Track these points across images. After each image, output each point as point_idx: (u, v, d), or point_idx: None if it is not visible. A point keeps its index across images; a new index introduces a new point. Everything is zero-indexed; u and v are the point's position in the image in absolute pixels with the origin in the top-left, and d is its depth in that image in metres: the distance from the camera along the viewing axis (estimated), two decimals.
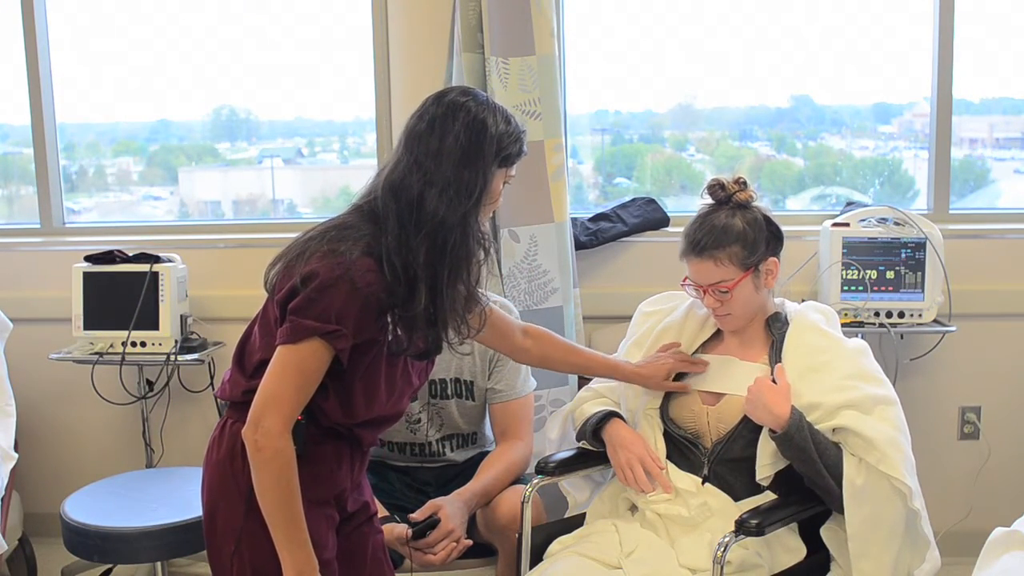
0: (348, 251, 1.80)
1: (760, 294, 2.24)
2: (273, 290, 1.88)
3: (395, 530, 2.35)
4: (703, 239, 2.18)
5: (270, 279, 1.90)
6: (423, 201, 1.81)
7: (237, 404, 1.93)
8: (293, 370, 1.79)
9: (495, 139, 1.86)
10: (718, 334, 2.35)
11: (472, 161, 1.84)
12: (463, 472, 2.64)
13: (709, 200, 2.26)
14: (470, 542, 2.37)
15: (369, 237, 1.83)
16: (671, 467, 2.25)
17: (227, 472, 1.91)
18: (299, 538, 1.81)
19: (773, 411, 2.09)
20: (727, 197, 2.23)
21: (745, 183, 2.25)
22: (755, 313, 2.27)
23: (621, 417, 2.36)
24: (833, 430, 2.10)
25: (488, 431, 2.72)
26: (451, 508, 2.35)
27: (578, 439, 2.46)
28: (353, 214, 1.90)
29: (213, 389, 3.36)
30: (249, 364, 1.93)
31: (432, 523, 2.32)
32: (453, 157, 1.83)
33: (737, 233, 2.18)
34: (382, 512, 2.42)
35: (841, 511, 2.07)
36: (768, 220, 2.23)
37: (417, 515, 2.35)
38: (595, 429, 2.35)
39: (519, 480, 2.55)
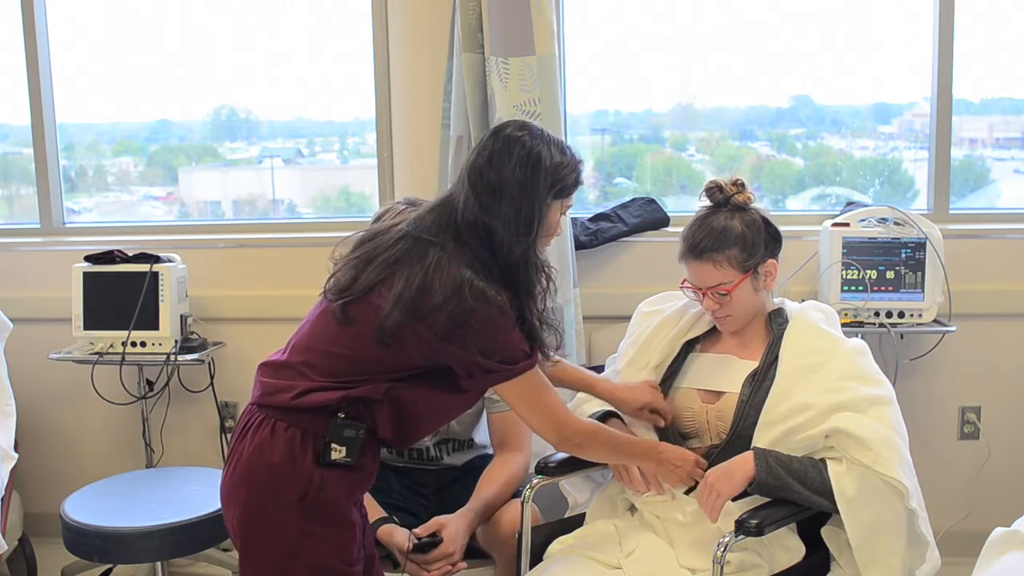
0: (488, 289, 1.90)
1: (759, 296, 2.24)
2: (392, 319, 1.89)
3: (395, 536, 2.35)
4: (702, 242, 2.18)
5: (358, 288, 1.95)
6: (492, 236, 1.92)
7: (295, 410, 1.94)
8: (537, 393, 2.00)
9: (550, 172, 1.94)
10: (716, 332, 2.35)
11: (528, 195, 1.93)
12: (462, 476, 2.64)
13: (707, 202, 2.26)
14: (465, 565, 2.37)
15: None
16: None
17: (284, 475, 1.92)
18: (633, 450, 2.18)
19: (742, 469, 2.06)
20: (725, 199, 2.23)
21: (743, 185, 2.24)
22: (754, 314, 2.27)
23: (619, 417, 2.36)
24: (826, 436, 2.09)
25: (482, 435, 2.72)
26: (454, 529, 2.35)
27: None
28: (447, 246, 1.94)
29: (213, 389, 3.36)
30: (324, 368, 1.95)
31: (435, 542, 2.32)
32: (511, 192, 1.92)
33: (736, 236, 2.17)
34: (380, 513, 2.42)
35: None
36: (767, 222, 2.23)
37: (420, 531, 2.35)
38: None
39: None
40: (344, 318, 1.94)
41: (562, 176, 1.97)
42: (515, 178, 1.91)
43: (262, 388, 2.01)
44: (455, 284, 1.86)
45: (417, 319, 1.87)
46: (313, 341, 2.00)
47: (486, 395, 2.58)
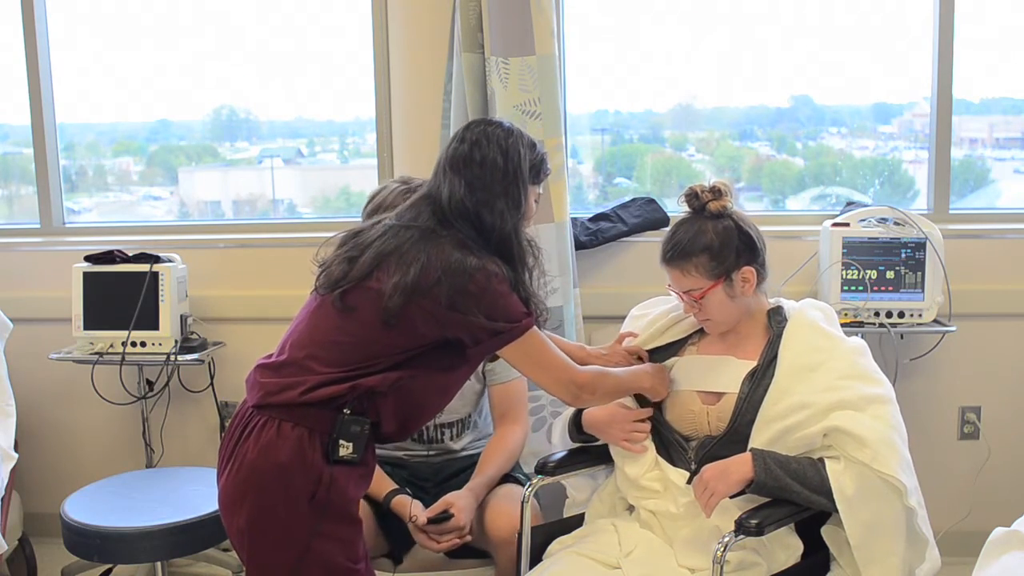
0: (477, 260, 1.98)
1: (737, 302, 2.24)
2: (393, 304, 1.94)
3: (410, 507, 2.43)
4: (673, 248, 2.22)
5: (350, 278, 2.00)
6: (481, 218, 2.01)
7: (303, 406, 1.96)
8: (541, 351, 2.06)
9: (526, 158, 2.06)
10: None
11: (512, 179, 2.04)
12: (465, 469, 2.66)
13: (687, 208, 2.27)
14: (469, 538, 2.44)
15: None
16: (662, 463, 2.25)
17: (294, 474, 1.94)
18: (632, 385, 2.25)
19: (739, 470, 2.07)
20: (701, 206, 2.24)
21: (720, 192, 2.24)
22: (737, 318, 2.27)
23: None
24: (824, 434, 2.09)
25: (480, 418, 2.75)
26: (463, 503, 2.44)
27: (572, 440, 2.47)
28: (438, 230, 2.01)
29: (213, 389, 3.37)
30: (331, 359, 1.98)
31: (447, 517, 2.41)
32: (496, 176, 2.02)
33: (704, 244, 2.19)
34: (392, 485, 2.50)
35: None
36: (740, 230, 2.22)
37: (430, 512, 2.43)
38: (576, 423, 2.39)
39: (518, 482, 2.58)
40: (344, 306, 1.99)
41: (535, 164, 2.10)
42: (498, 164, 2.02)
43: (263, 389, 2.01)
44: (450, 261, 1.94)
45: (420, 295, 1.93)
46: (315, 335, 2.02)
47: (486, 369, 2.65)
